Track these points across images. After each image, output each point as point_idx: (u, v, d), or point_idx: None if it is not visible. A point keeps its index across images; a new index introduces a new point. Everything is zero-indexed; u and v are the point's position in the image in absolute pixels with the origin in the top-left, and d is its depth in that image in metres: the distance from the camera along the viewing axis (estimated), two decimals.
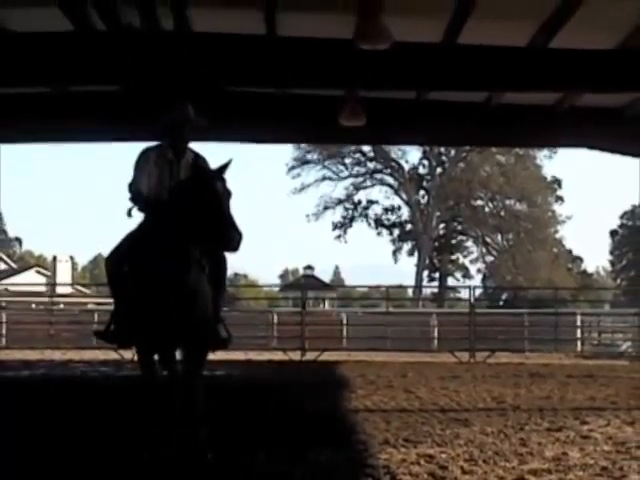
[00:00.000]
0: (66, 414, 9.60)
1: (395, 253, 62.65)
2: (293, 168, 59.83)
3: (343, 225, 61.70)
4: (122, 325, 6.84)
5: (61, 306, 33.96)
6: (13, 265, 58.00)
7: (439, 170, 60.07)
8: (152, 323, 6.49)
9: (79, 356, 20.98)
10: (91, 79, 11.82)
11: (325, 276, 65.44)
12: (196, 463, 6.37)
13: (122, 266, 6.78)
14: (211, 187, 6.35)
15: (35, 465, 6.50)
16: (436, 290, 61.43)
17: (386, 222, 62.16)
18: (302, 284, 45.50)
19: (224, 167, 6.51)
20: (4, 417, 9.37)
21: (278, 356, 21.13)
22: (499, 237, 61.84)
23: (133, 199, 6.87)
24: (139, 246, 6.68)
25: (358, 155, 60.00)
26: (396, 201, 61.80)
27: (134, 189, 6.85)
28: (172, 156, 6.99)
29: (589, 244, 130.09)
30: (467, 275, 62.42)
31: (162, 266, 6.40)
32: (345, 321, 26.39)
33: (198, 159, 6.91)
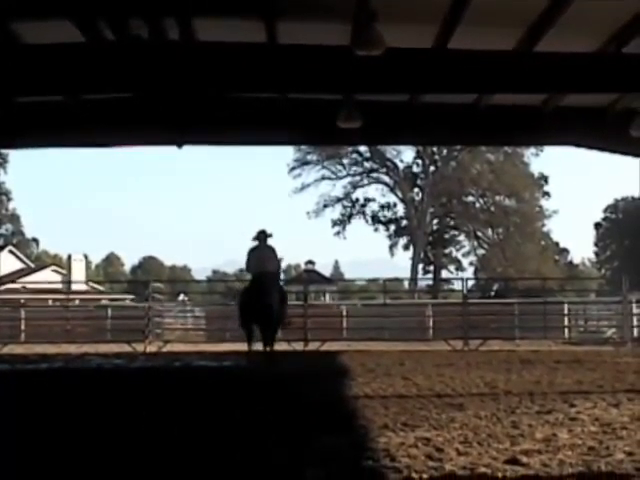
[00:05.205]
0: (83, 400, 9.66)
1: (391, 248, 62.88)
2: (294, 169, 59.99)
3: (342, 222, 61.91)
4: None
5: (76, 302, 34.07)
6: (30, 264, 57.99)
7: (432, 169, 60.15)
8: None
9: (94, 349, 21.00)
10: (102, 87, 11.83)
11: (325, 271, 65.40)
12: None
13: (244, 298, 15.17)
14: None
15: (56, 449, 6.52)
16: (431, 282, 61.54)
17: (382, 219, 62.31)
18: (304, 278, 45.44)
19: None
20: (30, 405, 9.45)
21: (282, 347, 21.09)
22: (490, 231, 61.96)
23: (247, 269, 15.34)
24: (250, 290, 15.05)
25: (355, 155, 60.11)
26: (392, 199, 62.02)
27: (248, 265, 15.06)
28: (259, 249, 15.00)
29: (575, 237, 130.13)
30: (460, 268, 62.56)
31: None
32: (345, 313, 26.34)
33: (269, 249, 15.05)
